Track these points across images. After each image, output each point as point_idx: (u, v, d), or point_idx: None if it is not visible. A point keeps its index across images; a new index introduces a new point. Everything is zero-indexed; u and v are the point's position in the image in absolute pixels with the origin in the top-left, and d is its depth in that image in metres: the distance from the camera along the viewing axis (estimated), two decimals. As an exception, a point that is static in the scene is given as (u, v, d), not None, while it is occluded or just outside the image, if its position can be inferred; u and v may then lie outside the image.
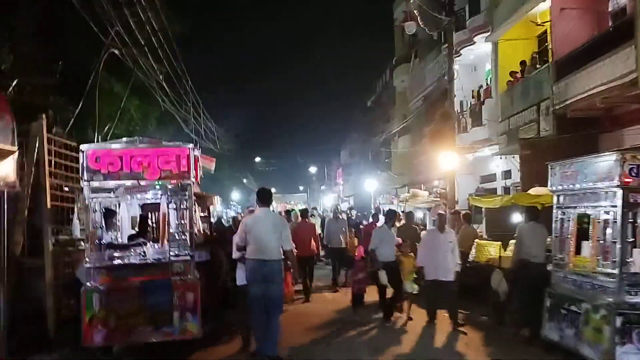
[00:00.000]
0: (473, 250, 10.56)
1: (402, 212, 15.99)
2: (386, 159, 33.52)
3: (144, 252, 6.47)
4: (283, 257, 7.30)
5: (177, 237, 6.50)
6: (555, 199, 6.68)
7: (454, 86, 15.41)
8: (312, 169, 62.22)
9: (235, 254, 7.38)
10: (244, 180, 58.01)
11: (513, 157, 16.26)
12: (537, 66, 15.51)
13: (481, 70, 20.67)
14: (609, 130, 12.96)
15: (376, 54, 38.42)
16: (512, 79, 16.68)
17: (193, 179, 6.53)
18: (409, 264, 9.43)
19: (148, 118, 22.06)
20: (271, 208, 8.12)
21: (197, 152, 6.58)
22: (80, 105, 12.66)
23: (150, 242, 7.01)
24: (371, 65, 40.44)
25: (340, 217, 15.07)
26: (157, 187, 6.50)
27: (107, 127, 16.52)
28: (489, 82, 19.58)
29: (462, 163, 19.90)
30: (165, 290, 6.29)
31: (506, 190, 18.52)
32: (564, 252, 6.41)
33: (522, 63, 15.99)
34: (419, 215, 16.55)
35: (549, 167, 6.76)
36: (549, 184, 6.75)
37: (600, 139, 13.08)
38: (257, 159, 57.45)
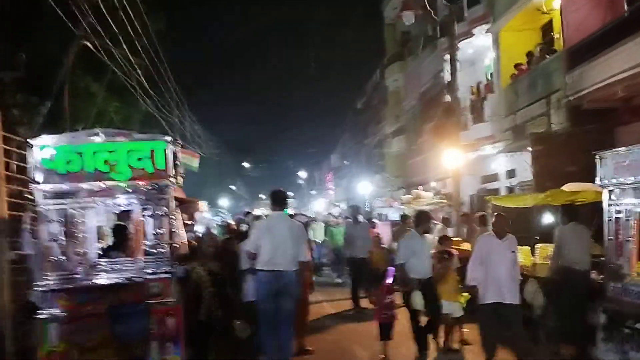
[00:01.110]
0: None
1: (402, 215, 14.90)
2: (380, 161, 32.52)
3: (114, 270, 5.27)
4: (297, 268, 6.50)
5: (154, 250, 5.32)
6: (606, 194, 5.59)
7: (456, 79, 14.35)
8: (302, 174, 61.04)
9: (245, 264, 6.61)
10: (232, 187, 56.75)
11: (521, 153, 15.26)
12: (546, 56, 14.53)
13: (479, 66, 19.67)
14: (627, 122, 11.96)
15: (365, 56, 37.41)
16: (516, 72, 15.68)
17: (173, 180, 5.36)
18: (452, 282, 7.81)
19: (130, 121, 20.87)
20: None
21: (176, 147, 5.42)
22: (50, 104, 11.51)
23: (125, 257, 5.82)
24: (360, 66, 39.38)
25: (362, 220, 12.78)
26: (128, 189, 5.32)
27: (82, 130, 15.27)
28: (489, 77, 18.62)
29: (461, 163, 18.94)
30: (140, 316, 5.10)
31: (510, 190, 17.50)
32: (621, 259, 5.32)
33: (529, 54, 15.00)
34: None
35: (597, 157, 5.67)
36: (597, 177, 5.66)
37: (618, 132, 12.07)
38: (245, 164, 56.17)
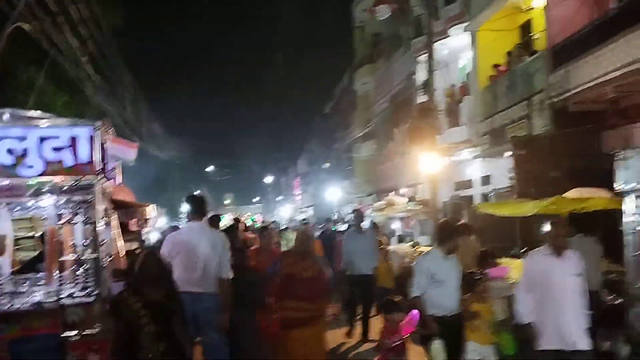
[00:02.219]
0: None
1: (372, 223, 13.94)
2: (348, 167, 31.61)
3: (21, 293, 4.08)
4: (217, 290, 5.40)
5: (75, 267, 4.16)
6: (629, 202, 4.67)
7: (433, 78, 13.48)
8: (268, 179, 59.76)
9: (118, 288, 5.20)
10: (197, 192, 55.14)
11: (498, 159, 14.51)
12: (525, 57, 13.81)
13: (454, 68, 18.90)
14: (614, 125, 11.27)
15: (333, 59, 36.58)
16: (494, 73, 14.93)
17: (100, 176, 4.22)
18: (487, 315, 5.68)
19: (81, 118, 19.39)
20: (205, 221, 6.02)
21: (107, 135, 4.28)
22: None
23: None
24: (328, 70, 38.54)
25: (365, 229, 10.29)
26: (41, 189, 4.16)
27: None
28: (464, 79, 17.89)
29: (438, 167, 18.13)
30: (53, 352, 3.93)
31: (485, 197, 16.75)
32: (650, 278, 4.40)
33: (509, 54, 14.25)
34: (395, 225, 14.57)
35: (618, 157, 4.75)
36: (616, 181, 4.75)
37: (605, 136, 11.36)
38: (210, 168, 54.65)
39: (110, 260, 4.93)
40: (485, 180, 16.53)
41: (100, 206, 4.40)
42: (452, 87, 18.20)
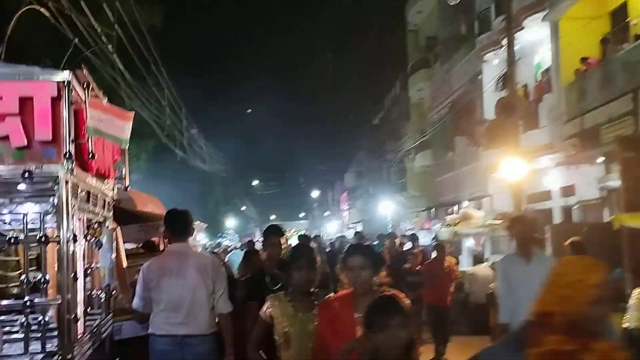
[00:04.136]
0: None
1: (436, 245, 11.91)
2: (401, 180, 29.67)
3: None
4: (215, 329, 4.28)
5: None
6: None
7: (515, 71, 11.51)
8: (315, 194, 58.11)
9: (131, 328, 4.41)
10: (243, 208, 53.95)
11: (591, 165, 12.41)
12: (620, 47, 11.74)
13: (527, 65, 16.82)
14: None
15: (381, 68, 34.79)
16: (582, 67, 12.86)
17: (69, 164, 2.56)
18: None
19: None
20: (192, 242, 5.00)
21: (84, 93, 2.62)
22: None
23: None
24: (376, 80, 36.72)
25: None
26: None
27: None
28: (540, 77, 15.84)
29: (497, 179, 16.10)
30: None
31: (566, 211, 14.58)
32: None
33: (604, 40, 12.15)
34: (468, 244, 12.56)
35: None
36: None
37: None
38: (255, 183, 53.37)
39: (107, 293, 3.26)
40: (568, 191, 14.38)
41: (74, 211, 2.76)
42: (525, 86, 16.16)
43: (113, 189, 4.19)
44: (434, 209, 22.07)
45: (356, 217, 42.93)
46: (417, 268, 9.01)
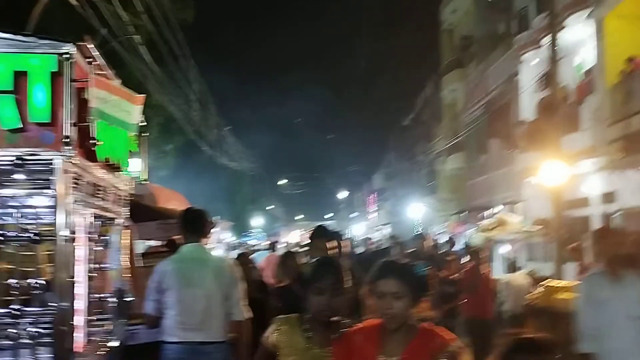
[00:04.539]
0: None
1: (470, 249, 11.34)
2: (431, 182, 29.08)
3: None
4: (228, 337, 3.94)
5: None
6: None
7: (558, 68, 10.92)
8: (342, 195, 57.64)
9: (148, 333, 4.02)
10: (270, 207, 53.82)
11: (637, 170, 11.73)
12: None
13: (567, 66, 16.13)
14: None
15: (411, 70, 34.25)
16: (629, 67, 12.19)
17: (68, 150, 2.23)
18: None
19: (147, 122, 18.01)
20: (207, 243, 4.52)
21: (89, 70, 2.28)
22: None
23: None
24: (407, 80, 36.17)
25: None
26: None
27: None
28: (581, 78, 15.14)
29: (533, 184, 15.45)
30: None
31: (606, 219, 13.88)
32: None
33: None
34: (502, 250, 12.00)
35: None
36: None
37: None
38: (282, 182, 53.17)
39: (119, 296, 2.94)
40: (608, 197, 13.69)
41: (74, 208, 2.43)
42: (564, 88, 15.48)
43: (127, 183, 3.86)
44: (465, 212, 21.45)
45: (384, 219, 42.37)
46: (453, 277, 8.36)
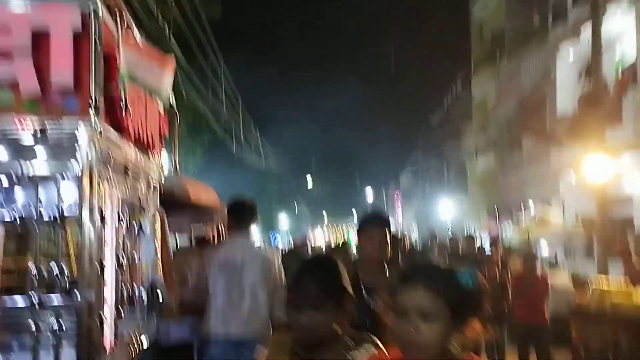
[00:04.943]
0: None
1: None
2: (461, 181, 28.53)
3: None
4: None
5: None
6: None
7: (601, 60, 10.42)
8: (368, 193, 57.18)
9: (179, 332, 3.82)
10: (296, 206, 53.63)
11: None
12: None
13: (607, 59, 15.49)
14: None
15: (442, 66, 33.79)
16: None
17: (94, 118, 1.96)
18: None
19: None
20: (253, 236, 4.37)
21: (120, 27, 2.02)
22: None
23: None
24: (436, 78, 35.72)
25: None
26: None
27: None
28: (619, 73, 14.53)
29: (570, 181, 14.86)
30: None
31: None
32: None
33: None
34: (541, 250, 11.51)
35: None
36: None
37: None
38: (309, 181, 52.94)
39: (151, 290, 2.68)
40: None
41: (103, 188, 2.16)
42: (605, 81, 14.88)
43: (160, 168, 3.60)
44: (497, 211, 20.91)
45: (410, 217, 41.87)
46: (500, 279, 7.64)
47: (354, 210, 64.99)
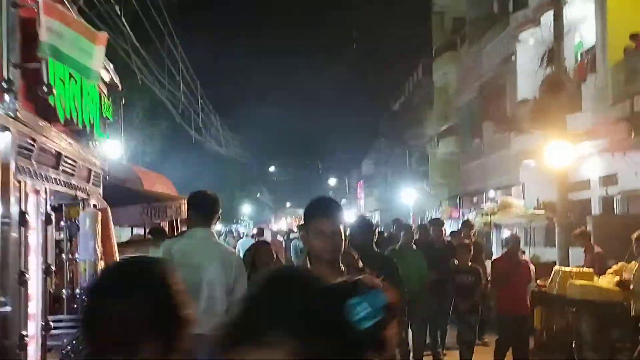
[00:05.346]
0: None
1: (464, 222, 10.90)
2: (422, 168, 28.66)
3: None
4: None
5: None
6: None
7: (562, 45, 10.42)
8: (331, 181, 57.15)
9: None
10: (259, 194, 53.18)
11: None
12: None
13: (566, 46, 15.66)
14: None
15: (401, 54, 33.82)
16: (632, 44, 11.75)
17: (8, 92, 1.65)
18: None
19: (131, 106, 17.31)
20: (214, 231, 4.08)
21: None
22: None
23: None
24: (396, 65, 35.73)
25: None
26: None
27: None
28: (579, 58, 14.68)
29: (530, 167, 15.01)
30: None
31: (607, 202, 13.50)
32: None
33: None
34: (501, 235, 11.55)
35: None
36: None
37: None
38: (272, 169, 52.54)
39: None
40: (609, 180, 13.31)
41: (20, 181, 1.85)
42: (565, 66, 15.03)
43: (102, 157, 3.27)
44: (459, 197, 21.04)
45: (373, 205, 42.00)
46: (470, 264, 7.14)
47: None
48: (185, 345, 1.34)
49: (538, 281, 7.79)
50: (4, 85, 1.88)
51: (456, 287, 7.00)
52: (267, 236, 15.79)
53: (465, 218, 13.28)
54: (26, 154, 2.08)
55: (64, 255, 2.66)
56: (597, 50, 13.18)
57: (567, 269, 7.31)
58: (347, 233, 3.64)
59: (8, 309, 1.87)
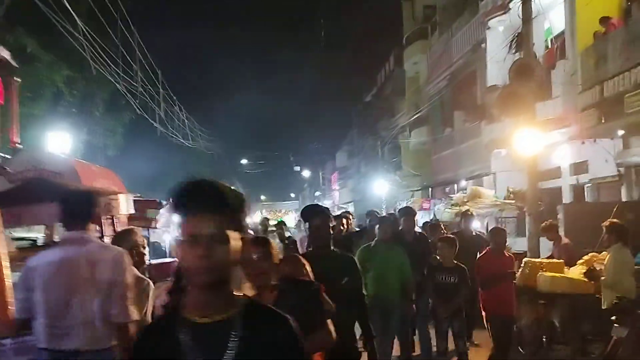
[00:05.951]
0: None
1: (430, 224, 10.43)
2: (394, 158, 28.40)
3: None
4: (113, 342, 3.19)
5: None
6: None
7: (531, 29, 10.16)
8: (306, 174, 56.74)
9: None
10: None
11: (609, 139, 11.23)
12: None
13: (536, 32, 15.47)
14: None
15: (372, 45, 33.54)
16: (602, 28, 11.58)
17: None
18: None
19: (92, 98, 16.66)
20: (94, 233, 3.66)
21: None
22: None
23: None
24: (368, 55, 35.46)
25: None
26: None
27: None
28: (549, 44, 14.51)
29: (501, 156, 14.85)
30: None
31: (578, 190, 13.40)
32: None
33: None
34: (475, 225, 11.26)
35: None
36: None
37: None
38: (244, 161, 51.92)
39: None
40: (580, 168, 13.20)
41: None
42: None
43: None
44: (430, 188, 20.84)
45: (347, 197, 41.76)
46: (455, 263, 6.12)
47: (292, 194, 64.57)
48: None
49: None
50: None
51: (435, 287, 6.10)
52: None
53: (432, 218, 12.91)
54: None
55: None
56: (567, 36, 13.00)
57: (537, 260, 7.04)
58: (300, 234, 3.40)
59: None
